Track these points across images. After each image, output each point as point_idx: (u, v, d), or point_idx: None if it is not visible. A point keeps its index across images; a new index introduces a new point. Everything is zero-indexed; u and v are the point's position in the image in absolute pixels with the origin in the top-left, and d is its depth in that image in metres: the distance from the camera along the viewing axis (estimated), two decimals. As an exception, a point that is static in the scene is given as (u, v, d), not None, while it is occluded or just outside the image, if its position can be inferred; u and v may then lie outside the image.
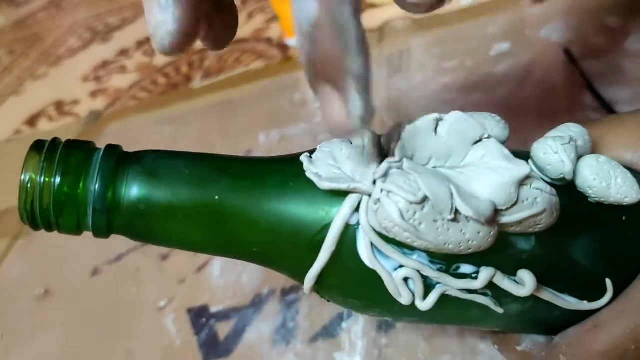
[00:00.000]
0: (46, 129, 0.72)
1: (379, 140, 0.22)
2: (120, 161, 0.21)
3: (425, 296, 0.21)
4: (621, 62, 0.44)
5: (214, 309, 0.39)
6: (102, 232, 0.22)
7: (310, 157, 0.21)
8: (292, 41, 0.66)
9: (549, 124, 0.24)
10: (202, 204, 0.21)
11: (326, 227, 0.20)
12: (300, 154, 0.22)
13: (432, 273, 0.20)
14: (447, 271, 0.20)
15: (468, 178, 0.20)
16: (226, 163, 0.22)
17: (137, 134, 0.63)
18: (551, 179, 0.21)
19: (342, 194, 0.20)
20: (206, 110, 0.62)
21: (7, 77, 0.91)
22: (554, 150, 0.20)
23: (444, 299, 0.21)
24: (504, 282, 0.20)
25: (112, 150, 0.22)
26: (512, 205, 0.19)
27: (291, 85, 0.59)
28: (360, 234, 0.20)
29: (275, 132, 0.53)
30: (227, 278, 0.41)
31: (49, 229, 0.22)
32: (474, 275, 0.20)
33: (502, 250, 0.20)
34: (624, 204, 0.21)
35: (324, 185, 0.20)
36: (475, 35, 0.54)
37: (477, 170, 0.20)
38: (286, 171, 0.22)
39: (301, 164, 0.21)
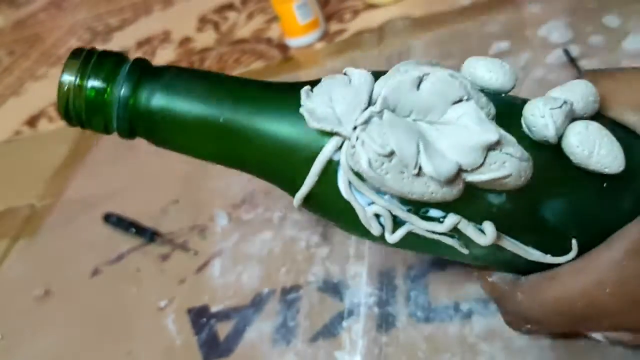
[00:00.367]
0: (46, 130, 0.72)
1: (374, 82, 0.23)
2: (143, 74, 0.23)
3: (393, 231, 0.23)
4: (620, 62, 0.44)
5: (214, 309, 0.39)
6: (126, 135, 0.24)
7: (312, 90, 0.22)
8: (292, 41, 0.66)
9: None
10: (208, 121, 0.23)
11: (313, 158, 0.22)
12: (304, 83, 0.23)
13: (400, 213, 0.22)
14: (416, 212, 0.22)
15: (441, 135, 0.21)
16: (235, 87, 0.24)
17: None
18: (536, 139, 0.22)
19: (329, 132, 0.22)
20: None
21: (7, 77, 0.92)
22: (541, 113, 0.21)
23: (412, 235, 0.23)
24: (467, 230, 0.22)
25: (139, 63, 0.24)
26: (478, 167, 0.20)
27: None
28: (340, 170, 0.22)
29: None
30: (227, 278, 0.41)
31: (82, 126, 0.24)
32: (441, 220, 0.22)
33: (471, 201, 0.22)
34: (604, 173, 0.22)
35: (312, 124, 0.22)
36: (475, 34, 0.54)
37: (452, 130, 0.21)
38: (286, 100, 0.23)
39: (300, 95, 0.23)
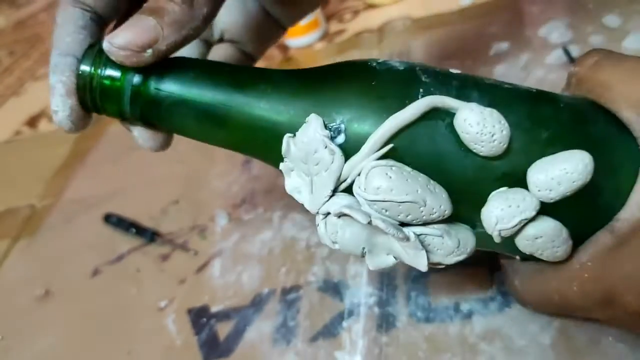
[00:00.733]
0: (46, 130, 0.72)
1: None
2: (154, 64, 0.25)
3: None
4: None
5: (214, 309, 0.39)
6: (138, 120, 0.26)
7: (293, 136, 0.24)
8: (292, 41, 0.66)
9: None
10: (212, 110, 0.25)
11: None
12: (302, 71, 0.26)
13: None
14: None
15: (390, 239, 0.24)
16: (236, 74, 0.26)
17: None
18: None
19: None
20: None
21: (7, 77, 0.92)
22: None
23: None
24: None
25: None
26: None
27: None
28: None
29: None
30: (227, 278, 0.41)
31: (98, 112, 0.26)
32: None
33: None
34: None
35: (287, 188, 0.25)
36: (475, 35, 0.54)
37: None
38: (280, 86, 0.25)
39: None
